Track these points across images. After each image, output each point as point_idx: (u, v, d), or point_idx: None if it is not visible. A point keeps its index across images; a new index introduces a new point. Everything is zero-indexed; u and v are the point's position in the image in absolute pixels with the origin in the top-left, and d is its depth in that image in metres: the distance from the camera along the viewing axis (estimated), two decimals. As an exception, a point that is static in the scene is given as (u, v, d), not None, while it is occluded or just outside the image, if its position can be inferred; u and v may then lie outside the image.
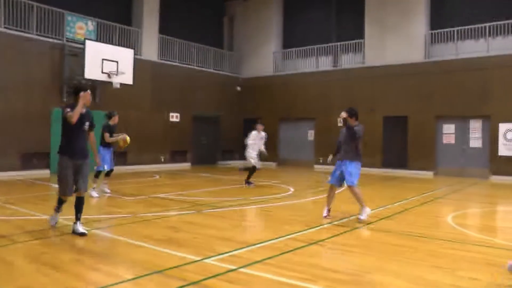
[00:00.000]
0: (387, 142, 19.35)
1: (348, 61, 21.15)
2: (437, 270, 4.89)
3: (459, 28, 18.26)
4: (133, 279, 4.42)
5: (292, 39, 23.30)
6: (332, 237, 6.37)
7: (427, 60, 18.70)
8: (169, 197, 10.11)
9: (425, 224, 7.59)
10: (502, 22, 17.41)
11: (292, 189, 12.14)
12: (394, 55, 19.22)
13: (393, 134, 19.19)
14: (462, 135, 17.88)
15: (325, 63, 21.83)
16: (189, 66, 21.19)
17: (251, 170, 12.77)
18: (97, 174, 10.20)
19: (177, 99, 20.32)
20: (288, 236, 6.32)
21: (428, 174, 18.00)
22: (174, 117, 20.22)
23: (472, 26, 18.01)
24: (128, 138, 9.92)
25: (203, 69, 21.88)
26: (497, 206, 10.49)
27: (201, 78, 21.53)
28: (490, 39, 17.69)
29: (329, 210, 7.87)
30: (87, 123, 6.33)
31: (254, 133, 12.88)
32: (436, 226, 7.63)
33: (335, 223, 7.38)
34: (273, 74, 23.08)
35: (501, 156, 16.67)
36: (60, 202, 6.52)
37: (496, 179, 16.46)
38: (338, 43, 21.40)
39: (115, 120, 10.35)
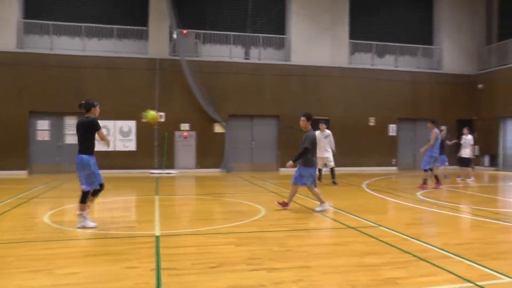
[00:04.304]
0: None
1: None
2: (37, 274, 4.64)
3: (55, 22, 18.08)
4: None
5: None
6: None
7: (20, 50, 17.63)
8: None
9: (21, 228, 7.08)
10: (96, 25, 18.35)
11: None
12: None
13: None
14: (58, 131, 17.82)
15: None
16: None
17: None
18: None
19: None
20: None
21: (22, 173, 17.06)
22: None
23: (68, 24, 18.19)
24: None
25: None
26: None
27: None
28: (86, 40, 18.33)
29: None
30: None
31: None
32: (32, 228, 7.22)
33: None
34: None
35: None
36: None
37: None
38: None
39: (96, 112, 7.14)
